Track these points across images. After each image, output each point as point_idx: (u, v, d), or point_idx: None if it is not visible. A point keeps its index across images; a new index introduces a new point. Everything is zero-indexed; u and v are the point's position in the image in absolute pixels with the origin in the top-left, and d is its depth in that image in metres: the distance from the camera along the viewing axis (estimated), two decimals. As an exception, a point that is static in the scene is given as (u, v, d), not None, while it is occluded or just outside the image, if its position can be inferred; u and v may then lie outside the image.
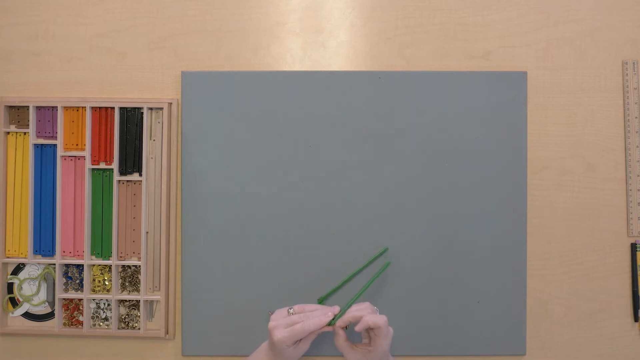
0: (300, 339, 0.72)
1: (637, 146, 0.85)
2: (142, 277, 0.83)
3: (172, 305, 0.84)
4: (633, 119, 0.85)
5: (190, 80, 0.84)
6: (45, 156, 0.85)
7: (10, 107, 0.85)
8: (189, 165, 0.83)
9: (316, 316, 0.72)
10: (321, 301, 0.82)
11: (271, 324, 0.71)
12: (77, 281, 0.85)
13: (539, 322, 0.85)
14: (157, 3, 0.86)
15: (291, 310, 0.73)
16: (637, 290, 0.84)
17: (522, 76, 0.84)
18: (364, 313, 0.72)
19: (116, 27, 0.86)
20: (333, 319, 0.72)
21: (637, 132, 0.85)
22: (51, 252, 0.85)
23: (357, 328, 0.70)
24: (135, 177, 0.84)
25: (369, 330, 0.72)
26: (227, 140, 0.83)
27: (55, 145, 0.84)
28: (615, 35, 0.86)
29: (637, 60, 0.86)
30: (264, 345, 0.75)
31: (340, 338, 0.72)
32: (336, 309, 0.74)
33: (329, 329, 0.73)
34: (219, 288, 0.83)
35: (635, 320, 0.85)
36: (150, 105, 0.84)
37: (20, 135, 0.85)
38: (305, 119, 0.83)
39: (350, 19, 0.86)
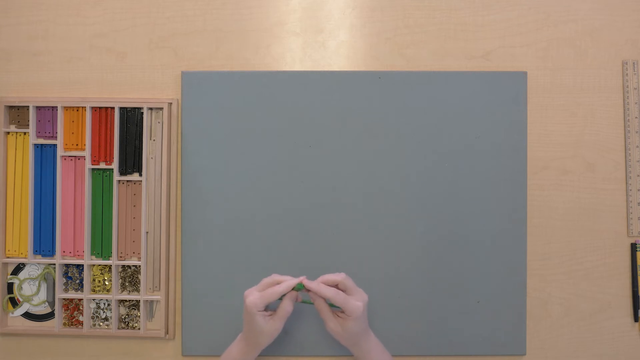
0: (270, 312, 0.73)
1: (637, 146, 0.85)
2: (142, 277, 0.83)
3: (172, 305, 0.84)
4: (633, 119, 0.85)
5: (190, 80, 0.84)
6: (45, 156, 0.85)
7: (10, 107, 0.85)
8: (189, 165, 0.83)
9: (286, 280, 0.73)
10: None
11: (246, 292, 0.73)
12: (77, 281, 0.85)
13: (539, 322, 0.85)
14: (157, 3, 0.86)
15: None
16: (637, 290, 0.84)
17: (522, 76, 0.84)
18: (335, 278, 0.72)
19: (116, 27, 0.86)
20: (301, 284, 0.72)
21: (637, 132, 0.85)
22: (51, 252, 0.85)
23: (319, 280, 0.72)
24: (135, 177, 0.84)
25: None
26: (227, 140, 0.83)
27: (55, 145, 0.84)
28: (615, 35, 0.86)
29: (637, 60, 0.86)
30: (239, 336, 0.76)
31: (322, 309, 0.73)
32: (303, 278, 0.73)
33: (294, 294, 0.72)
34: (219, 288, 0.83)
35: (635, 320, 0.85)
36: (150, 105, 0.84)
37: (20, 135, 0.85)
38: (305, 119, 0.83)
39: (350, 19, 0.86)
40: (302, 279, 0.72)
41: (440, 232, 0.83)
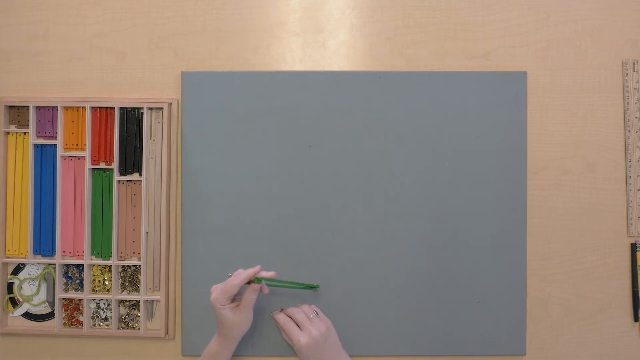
0: (237, 303, 0.75)
1: (637, 146, 0.85)
2: (142, 277, 0.83)
3: (172, 305, 0.84)
4: (633, 119, 0.85)
5: (190, 80, 0.84)
6: (45, 156, 0.85)
7: (10, 107, 0.85)
8: (189, 165, 0.83)
9: (246, 271, 0.75)
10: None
11: (211, 289, 0.76)
12: (77, 281, 0.85)
13: (539, 322, 0.85)
14: (157, 3, 0.86)
15: (229, 273, 0.76)
16: (637, 290, 0.84)
17: (522, 76, 0.84)
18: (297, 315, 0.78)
19: (116, 27, 0.86)
20: (259, 279, 0.74)
21: (637, 132, 0.85)
22: (51, 252, 0.85)
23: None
24: (135, 177, 0.84)
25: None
26: (227, 140, 0.83)
27: (55, 145, 0.84)
28: (615, 35, 0.86)
29: (637, 60, 0.86)
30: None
31: (281, 319, 0.79)
32: (272, 274, 0.76)
33: (256, 287, 0.74)
34: (219, 288, 0.83)
35: (635, 320, 0.85)
36: (150, 105, 0.84)
37: (20, 135, 0.85)
38: (305, 119, 0.83)
39: (350, 19, 0.86)
40: (272, 274, 0.76)
41: (440, 232, 0.83)
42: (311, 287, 0.82)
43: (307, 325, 0.76)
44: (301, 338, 0.75)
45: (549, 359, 0.85)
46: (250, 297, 0.74)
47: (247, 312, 0.75)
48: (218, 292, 0.74)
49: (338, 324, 0.81)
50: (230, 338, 0.76)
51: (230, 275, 0.75)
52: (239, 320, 0.75)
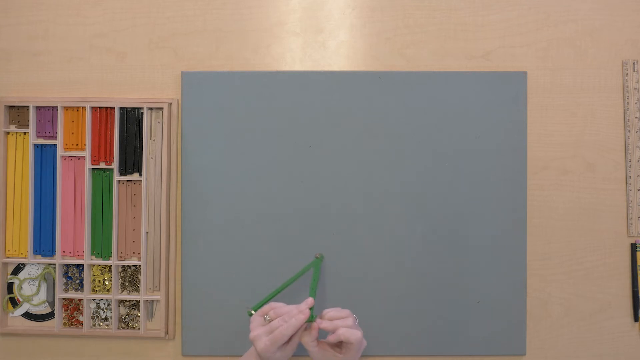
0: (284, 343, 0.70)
1: (637, 146, 0.85)
2: (142, 277, 0.83)
3: (172, 305, 0.84)
4: (633, 119, 0.85)
5: (190, 80, 0.84)
6: (45, 156, 0.85)
7: (10, 107, 0.85)
8: (189, 165, 0.83)
9: (293, 316, 0.69)
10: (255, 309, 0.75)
11: (252, 335, 0.69)
12: (77, 281, 0.85)
13: (539, 322, 0.85)
14: (157, 3, 0.86)
15: (267, 317, 0.71)
16: (637, 290, 0.84)
17: (522, 76, 0.84)
18: (342, 324, 0.70)
19: (116, 27, 0.86)
20: (312, 316, 0.70)
21: (637, 132, 0.85)
22: (51, 252, 0.85)
23: (330, 338, 0.69)
24: (135, 177, 0.84)
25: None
26: (227, 140, 0.83)
27: (55, 145, 0.84)
28: (615, 35, 0.86)
29: (637, 60, 0.86)
30: (252, 350, 0.73)
31: (310, 336, 0.71)
32: (310, 301, 0.71)
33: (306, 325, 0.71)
34: (219, 288, 0.83)
35: (635, 320, 0.85)
36: (150, 105, 0.84)
37: (20, 135, 0.85)
38: (305, 119, 0.83)
39: (350, 19, 0.86)
40: (310, 302, 0.71)
41: (440, 232, 0.83)
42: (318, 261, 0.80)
43: (354, 326, 0.71)
44: (353, 336, 0.69)
45: (549, 359, 0.85)
46: (299, 336, 0.71)
47: (294, 348, 0.71)
48: (267, 343, 0.67)
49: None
50: None
51: (268, 319, 0.70)
52: (286, 355, 0.70)
